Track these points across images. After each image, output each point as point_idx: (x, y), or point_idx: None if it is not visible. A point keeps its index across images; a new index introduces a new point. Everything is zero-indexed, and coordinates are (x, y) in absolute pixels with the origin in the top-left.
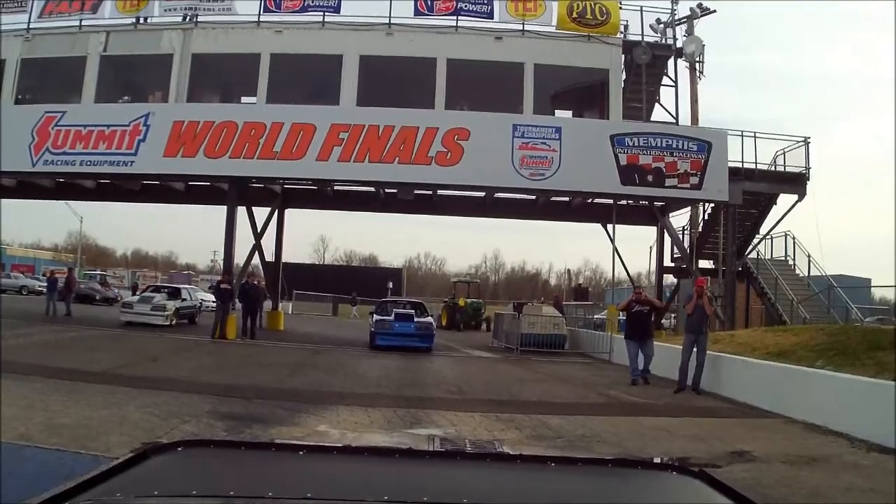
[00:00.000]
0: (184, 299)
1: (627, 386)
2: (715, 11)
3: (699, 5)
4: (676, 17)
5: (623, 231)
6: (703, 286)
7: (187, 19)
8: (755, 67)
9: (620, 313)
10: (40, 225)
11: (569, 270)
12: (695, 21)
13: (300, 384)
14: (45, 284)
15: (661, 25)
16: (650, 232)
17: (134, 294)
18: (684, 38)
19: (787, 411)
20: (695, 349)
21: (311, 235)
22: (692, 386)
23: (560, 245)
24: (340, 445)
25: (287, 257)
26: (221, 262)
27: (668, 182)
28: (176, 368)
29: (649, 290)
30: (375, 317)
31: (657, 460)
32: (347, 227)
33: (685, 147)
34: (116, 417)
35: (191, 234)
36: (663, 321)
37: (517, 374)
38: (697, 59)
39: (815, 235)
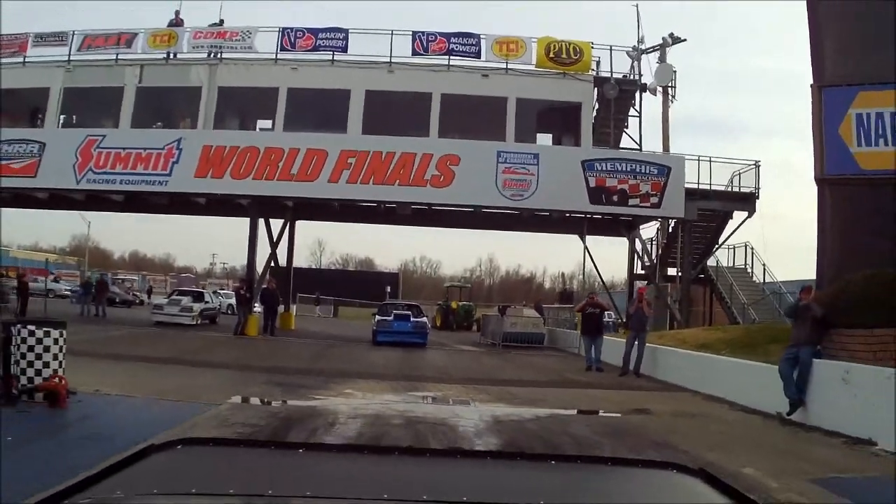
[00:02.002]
0: (206, 302)
1: (583, 371)
2: (686, 40)
3: (671, 34)
4: (651, 46)
5: (611, 238)
6: (642, 293)
7: (212, 55)
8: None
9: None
10: (39, 228)
11: (563, 274)
12: (667, 49)
13: (324, 366)
14: (79, 288)
15: (636, 52)
16: None
17: (149, 297)
18: (658, 65)
19: (697, 387)
20: (637, 343)
21: (308, 238)
22: (634, 371)
23: (554, 249)
24: (340, 443)
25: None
26: (222, 265)
27: (631, 201)
28: (222, 356)
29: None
30: (377, 317)
31: (657, 459)
32: (343, 231)
33: (647, 171)
34: (202, 384)
35: (186, 237)
36: None
37: (496, 363)
38: (669, 84)
39: (786, 242)
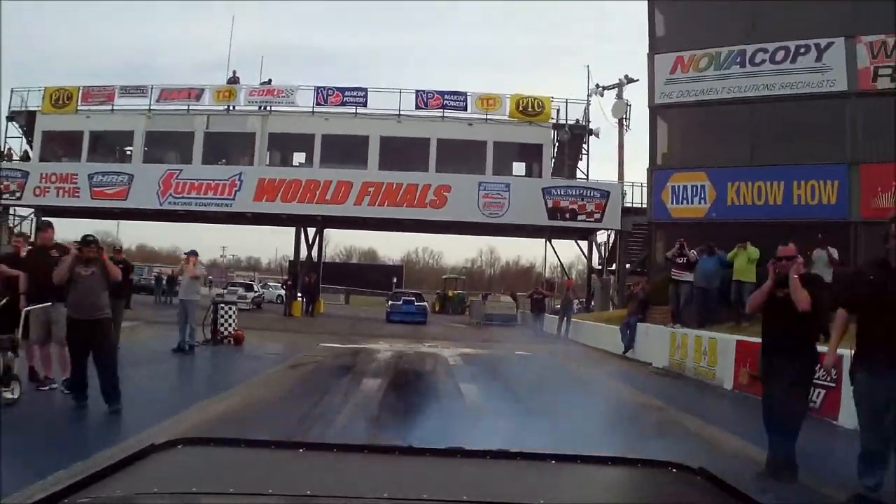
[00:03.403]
0: (255, 292)
1: (531, 337)
2: (638, 80)
3: (625, 76)
4: (610, 84)
5: None
6: (570, 284)
7: (263, 108)
8: None
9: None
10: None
11: (562, 264)
12: (623, 87)
13: (359, 332)
14: (153, 282)
15: (600, 88)
16: None
17: None
18: (615, 101)
19: (593, 344)
20: (565, 318)
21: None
22: (563, 336)
23: (555, 242)
24: (340, 443)
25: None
26: (231, 256)
27: (580, 217)
28: (289, 327)
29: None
30: (390, 302)
31: (657, 458)
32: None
33: (591, 195)
34: (295, 340)
35: (187, 231)
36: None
37: (474, 333)
38: (624, 116)
39: None
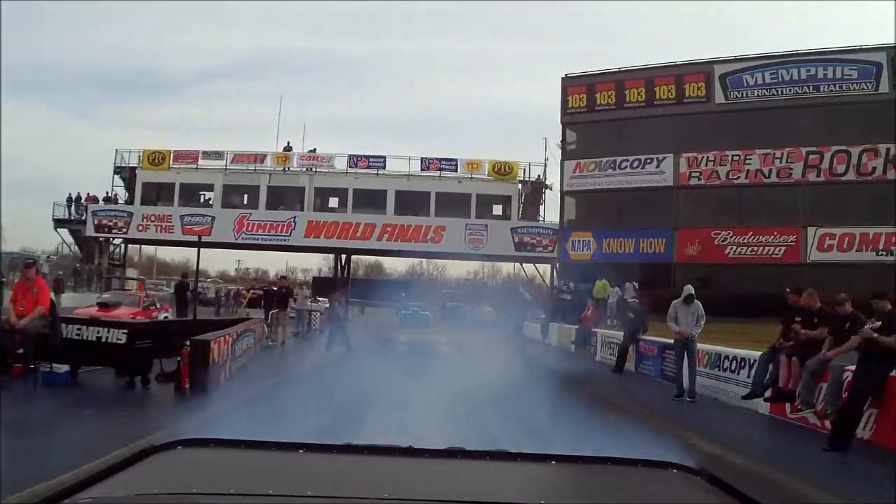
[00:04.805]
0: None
1: (497, 333)
2: None
3: None
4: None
5: None
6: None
7: (309, 169)
8: None
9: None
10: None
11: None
12: None
13: (384, 330)
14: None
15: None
16: None
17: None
18: None
19: (529, 335)
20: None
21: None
22: (519, 332)
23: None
24: (340, 444)
25: (307, 265)
26: (245, 269)
27: (538, 250)
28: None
29: None
30: (402, 311)
31: (658, 459)
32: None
33: (545, 233)
34: (351, 333)
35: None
36: None
37: (461, 330)
38: None
39: None
